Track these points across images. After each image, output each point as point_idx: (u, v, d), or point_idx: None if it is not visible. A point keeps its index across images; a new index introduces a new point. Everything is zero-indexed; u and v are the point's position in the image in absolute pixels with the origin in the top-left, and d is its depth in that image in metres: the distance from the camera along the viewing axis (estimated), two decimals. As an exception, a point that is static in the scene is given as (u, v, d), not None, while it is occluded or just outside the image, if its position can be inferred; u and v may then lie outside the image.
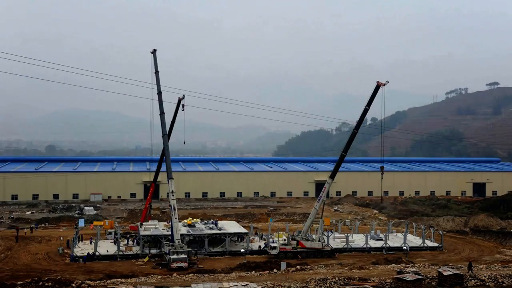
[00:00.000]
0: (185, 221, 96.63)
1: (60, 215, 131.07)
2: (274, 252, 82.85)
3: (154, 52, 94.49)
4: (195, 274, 68.00)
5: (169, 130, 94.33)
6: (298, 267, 72.62)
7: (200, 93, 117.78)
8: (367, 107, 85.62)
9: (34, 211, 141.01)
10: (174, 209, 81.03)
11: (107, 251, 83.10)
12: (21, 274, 68.44)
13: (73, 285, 59.83)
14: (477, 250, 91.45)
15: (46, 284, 59.72)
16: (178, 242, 77.96)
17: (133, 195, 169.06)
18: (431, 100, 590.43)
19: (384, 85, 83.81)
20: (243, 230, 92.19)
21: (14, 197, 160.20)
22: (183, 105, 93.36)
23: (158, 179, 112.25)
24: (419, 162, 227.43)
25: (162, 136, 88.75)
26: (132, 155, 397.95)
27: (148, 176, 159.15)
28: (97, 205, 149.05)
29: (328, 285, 59.38)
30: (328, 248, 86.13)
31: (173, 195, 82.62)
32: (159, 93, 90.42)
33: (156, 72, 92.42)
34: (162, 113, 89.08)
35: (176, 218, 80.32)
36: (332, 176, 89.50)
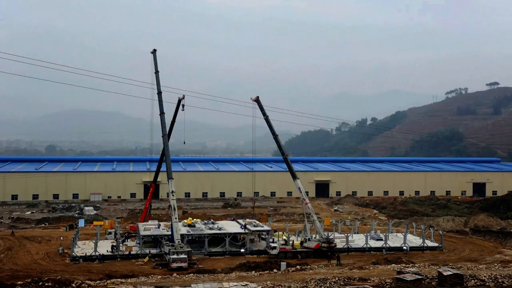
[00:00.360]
0: (185, 221, 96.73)
1: (60, 215, 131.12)
2: (274, 252, 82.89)
3: (154, 52, 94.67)
4: (195, 274, 67.98)
5: (169, 130, 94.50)
6: (298, 267, 72.58)
7: (200, 93, 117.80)
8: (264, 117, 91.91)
9: (34, 211, 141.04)
10: (174, 209, 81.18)
11: (108, 251, 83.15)
12: (21, 274, 68.41)
13: (73, 285, 59.78)
14: (477, 250, 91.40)
15: (46, 284, 59.66)
16: (178, 242, 78.01)
17: (133, 195, 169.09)
18: (431, 100, 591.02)
19: (256, 100, 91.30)
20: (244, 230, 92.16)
21: (14, 197, 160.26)
22: (183, 105, 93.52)
23: (158, 179, 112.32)
24: (419, 162, 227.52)
25: (162, 136, 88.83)
26: (132, 155, 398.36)
27: (148, 176, 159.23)
28: (97, 205, 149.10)
29: (328, 285, 59.32)
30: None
31: (173, 195, 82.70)
32: (159, 93, 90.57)
33: (156, 72, 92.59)
34: (162, 113, 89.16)
35: (176, 218, 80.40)
36: (294, 177, 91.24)
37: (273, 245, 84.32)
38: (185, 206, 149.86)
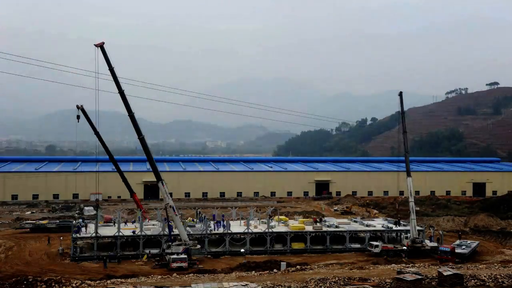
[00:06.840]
0: (186, 220, 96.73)
1: (60, 215, 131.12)
2: (377, 250, 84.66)
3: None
4: (195, 274, 68.01)
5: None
6: (298, 267, 72.59)
7: (200, 93, 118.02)
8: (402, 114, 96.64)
9: (34, 211, 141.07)
10: (174, 209, 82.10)
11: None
12: (21, 274, 68.39)
13: (73, 285, 59.79)
14: (477, 250, 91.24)
15: (46, 284, 59.66)
16: (189, 239, 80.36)
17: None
18: (431, 100, 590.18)
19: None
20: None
21: (14, 197, 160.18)
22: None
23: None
24: (419, 162, 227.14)
25: (139, 138, 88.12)
26: (132, 155, 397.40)
27: (148, 176, 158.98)
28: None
29: (328, 285, 59.31)
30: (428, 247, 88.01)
31: (169, 197, 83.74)
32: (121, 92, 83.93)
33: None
34: (130, 114, 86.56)
35: (177, 218, 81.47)
36: (408, 175, 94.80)
37: (375, 243, 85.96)
38: (185, 206, 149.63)
